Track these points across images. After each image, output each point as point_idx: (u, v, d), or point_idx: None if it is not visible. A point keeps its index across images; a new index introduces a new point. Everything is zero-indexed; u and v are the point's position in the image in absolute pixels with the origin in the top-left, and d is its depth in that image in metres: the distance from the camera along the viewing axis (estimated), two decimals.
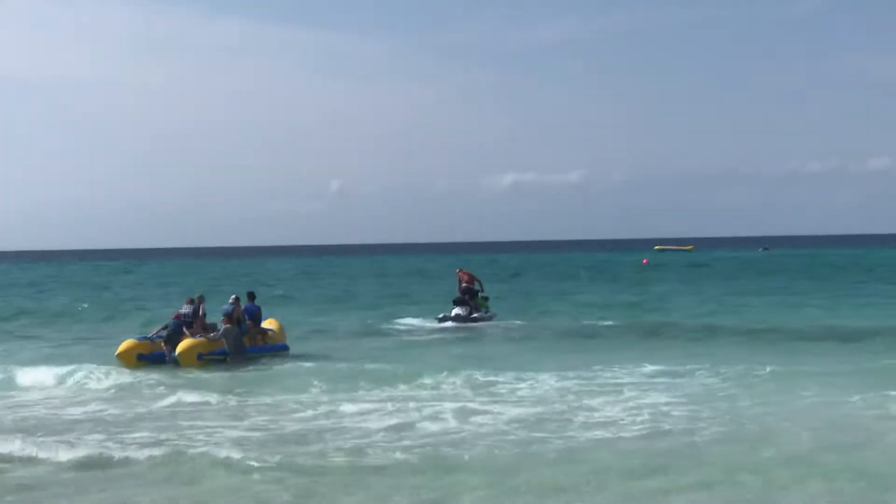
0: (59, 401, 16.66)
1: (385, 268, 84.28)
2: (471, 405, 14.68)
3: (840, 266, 66.83)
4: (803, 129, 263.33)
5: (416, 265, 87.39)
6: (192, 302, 22.80)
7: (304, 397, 16.02)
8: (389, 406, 14.70)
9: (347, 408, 14.69)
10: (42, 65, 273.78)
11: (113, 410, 15.47)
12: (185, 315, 22.29)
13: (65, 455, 11.66)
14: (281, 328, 23.89)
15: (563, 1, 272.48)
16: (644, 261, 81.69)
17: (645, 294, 41.85)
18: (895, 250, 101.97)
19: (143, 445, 12.28)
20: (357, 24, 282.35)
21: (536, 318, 31.37)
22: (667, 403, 14.56)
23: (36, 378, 18.84)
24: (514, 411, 14.17)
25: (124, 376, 19.19)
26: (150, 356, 21.18)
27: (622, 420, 13.42)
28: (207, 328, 21.95)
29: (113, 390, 17.71)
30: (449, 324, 29.07)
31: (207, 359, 21.05)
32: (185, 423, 13.93)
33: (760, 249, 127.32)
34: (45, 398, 16.98)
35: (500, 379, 17.04)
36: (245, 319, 22.38)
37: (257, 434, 13.12)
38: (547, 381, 16.72)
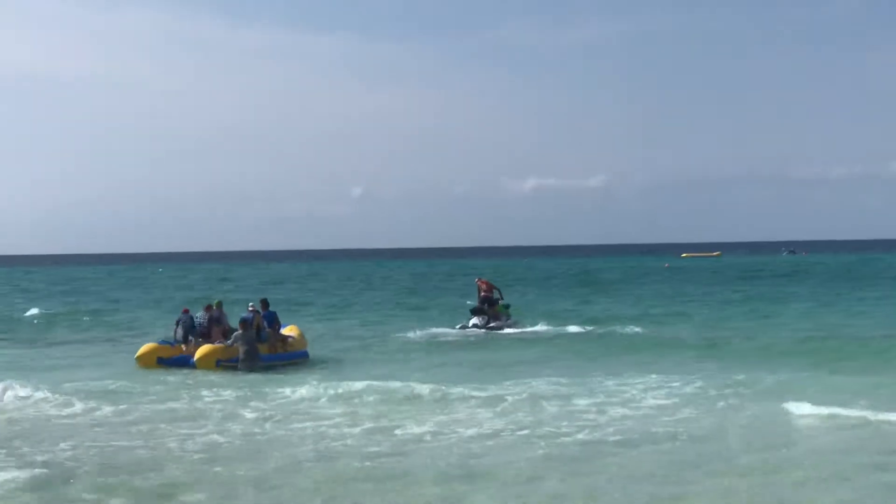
0: None
1: (406, 272, 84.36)
2: (462, 416, 14.57)
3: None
4: (827, 133, 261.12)
5: (438, 270, 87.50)
6: (209, 308, 22.90)
7: (317, 405, 16.13)
8: (369, 420, 14.56)
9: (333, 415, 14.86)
10: (67, 64, 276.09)
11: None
12: (199, 322, 22.50)
13: None
14: (301, 335, 23.94)
15: (585, 6, 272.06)
16: (665, 265, 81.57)
17: (663, 301, 41.66)
18: None
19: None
20: (380, 29, 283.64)
21: (556, 324, 30.97)
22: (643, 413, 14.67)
23: None
24: (498, 422, 14.17)
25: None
26: (170, 360, 21.40)
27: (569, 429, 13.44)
28: (227, 334, 21.92)
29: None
30: (466, 332, 28.83)
31: (225, 365, 21.05)
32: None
33: (784, 253, 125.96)
34: None
35: (491, 391, 16.81)
36: (265, 327, 22.39)
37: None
38: (542, 390, 16.80)
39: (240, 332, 21.32)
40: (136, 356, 21.66)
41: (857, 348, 23.21)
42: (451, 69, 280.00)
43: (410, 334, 28.79)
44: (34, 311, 39.91)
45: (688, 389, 16.78)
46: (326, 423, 14.38)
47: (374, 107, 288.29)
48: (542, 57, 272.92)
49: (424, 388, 16.89)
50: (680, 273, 71.76)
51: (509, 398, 16.20)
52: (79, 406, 15.95)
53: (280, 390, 17.41)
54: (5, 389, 17.20)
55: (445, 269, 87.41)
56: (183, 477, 10.98)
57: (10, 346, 27.97)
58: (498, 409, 15.32)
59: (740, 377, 17.77)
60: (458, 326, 29.75)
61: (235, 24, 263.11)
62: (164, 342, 22.37)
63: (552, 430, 13.44)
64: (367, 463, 11.59)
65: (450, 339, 27.87)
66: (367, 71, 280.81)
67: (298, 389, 17.29)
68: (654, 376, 18.26)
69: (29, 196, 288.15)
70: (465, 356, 23.44)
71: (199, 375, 19.95)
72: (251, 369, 20.69)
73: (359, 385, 17.45)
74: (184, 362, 21.24)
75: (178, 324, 22.60)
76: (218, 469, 11.35)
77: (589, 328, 29.59)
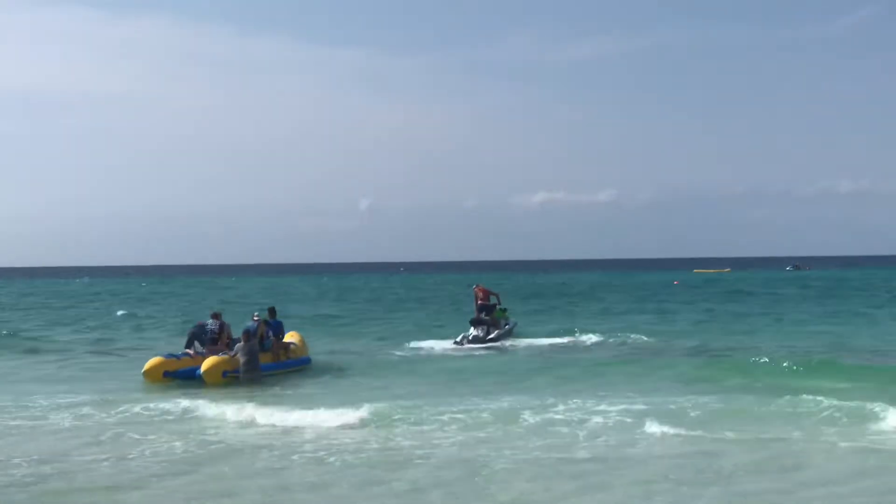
0: None
1: (412, 286, 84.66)
2: (443, 435, 14.35)
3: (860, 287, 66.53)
4: (833, 149, 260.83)
5: (443, 283, 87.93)
6: (216, 316, 23.09)
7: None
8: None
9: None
10: (80, 81, 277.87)
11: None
12: (210, 330, 22.62)
13: None
14: (302, 341, 24.13)
15: (594, 21, 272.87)
16: (675, 282, 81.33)
17: (667, 316, 42.05)
18: None
19: None
20: (389, 43, 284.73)
21: (560, 336, 31.05)
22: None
23: None
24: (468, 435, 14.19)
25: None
26: (176, 373, 21.26)
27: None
28: (230, 344, 22.09)
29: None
30: (466, 345, 28.28)
31: (232, 376, 20.98)
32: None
33: (789, 268, 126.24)
34: None
35: (469, 406, 16.44)
36: (269, 336, 22.62)
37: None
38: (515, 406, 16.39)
39: (241, 343, 21.23)
40: (142, 371, 21.44)
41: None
42: (461, 84, 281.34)
43: (409, 348, 28.46)
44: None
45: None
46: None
47: (381, 120, 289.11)
48: (552, 71, 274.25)
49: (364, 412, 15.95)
50: (690, 289, 72.06)
51: (455, 415, 15.70)
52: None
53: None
54: None
55: (450, 282, 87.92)
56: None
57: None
58: (440, 426, 14.94)
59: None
60: (458, 338, 29.02)
61: (247, 37, 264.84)
62: (169, 356, 22.15)
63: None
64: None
65: (445, 352, 27.25)
66: (377, 85, 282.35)
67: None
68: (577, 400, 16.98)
69: (48, 211, 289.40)
70: (451, 373, 22.62)
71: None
72: (252, 380, 20.64)
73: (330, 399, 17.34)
74: (190, 375, 21.09)
75: (190, 335, 22.74)
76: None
77: (587, 342, 29.52)
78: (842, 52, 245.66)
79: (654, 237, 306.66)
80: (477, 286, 30.96)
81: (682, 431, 14.05)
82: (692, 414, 15.44)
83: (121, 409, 17.06)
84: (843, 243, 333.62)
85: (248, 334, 21.56)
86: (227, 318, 23.48)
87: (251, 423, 15.71)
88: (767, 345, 27.50)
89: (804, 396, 16.32)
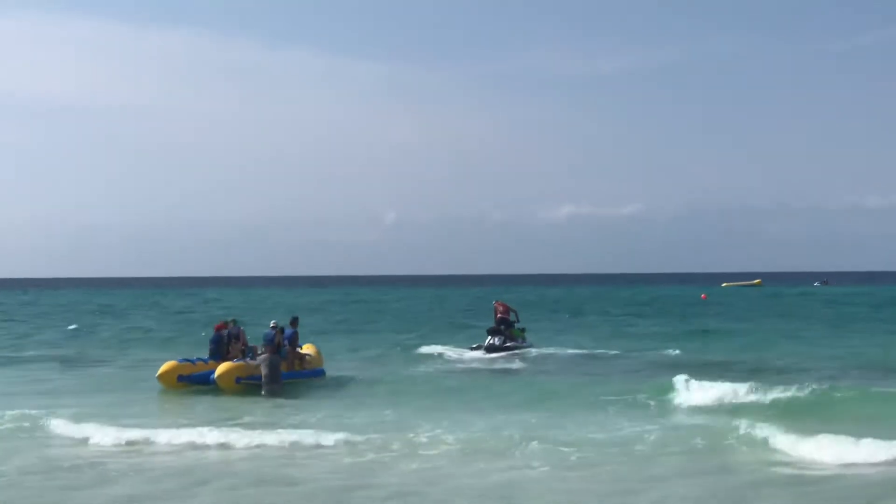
0: None
1: (435, 299, 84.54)
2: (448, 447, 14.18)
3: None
4: (861, 163, 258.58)
5: (467, 296, 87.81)
6: (225, 325, 23.17)
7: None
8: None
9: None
10: (102, 93, 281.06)
11: None
12: (223, 336, 22.62)
13: None
14: (318, 353, 24.31)
15: (621, 34, 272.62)
16: (703, 295, 79.69)
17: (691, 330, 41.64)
18: None
19: None
20: (415, 56, 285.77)
21: (573, 349, 31.22)
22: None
23: None
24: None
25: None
26: (191, 377, 21.56)
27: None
28: (247, 351, 22.21)
29: None
30: (482, 353, 29.20)
31: (245, 383, 21.17)
32: None
33: (816, 283, 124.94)
34: None
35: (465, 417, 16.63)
36: (285, 345, 22.71)
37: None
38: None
39: (266, 354, 21.34)
40: (157, 375, 21.80)
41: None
42: (487, 96, 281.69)
43: (425, 355, 29.24)
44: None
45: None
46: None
47: (407, 133, 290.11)
48: (578, 84, 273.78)
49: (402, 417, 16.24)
50: (717, 304, 71.37)
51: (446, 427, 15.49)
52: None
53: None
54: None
55: (473, 295, 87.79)
56: None
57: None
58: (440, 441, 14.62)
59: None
60: (473, 346, 30.11)
61: (271, 49, 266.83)
62: (184, 360, 22.51)
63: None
64: None
65: (461, 359, 28.18)
66: (401, 97, 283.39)
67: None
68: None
69: (65, 218, 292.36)
70: (463, 381, 23.03)
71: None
72: (273, 393, 20.64)
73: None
74: (204, 380, 21.33)
75: (211, 341, 22.86)
76: None
77: (599, 354, 29.45)
78: (870, 67, 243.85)
79: (681, 251, 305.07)
80: (497, 302, 31.63)
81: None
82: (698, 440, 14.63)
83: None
84: (871, 258, 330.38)
85: (272, 345, 21.69)
86: (244, 326, 23.72)
87: (186, 445, 14.83)
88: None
89: None
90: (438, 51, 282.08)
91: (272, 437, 14.89)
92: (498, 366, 26.88)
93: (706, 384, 18.99)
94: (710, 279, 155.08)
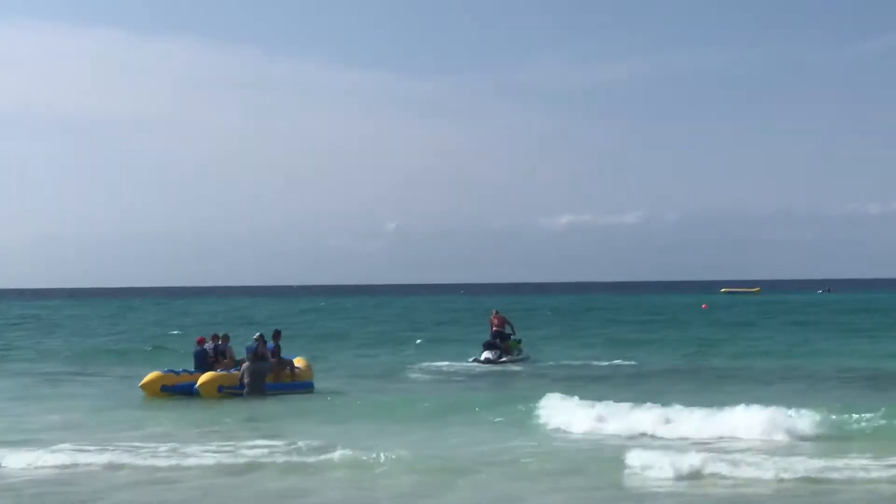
0: None
1: (435, 308, 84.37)
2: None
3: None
4: (862, 170, 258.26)
5: (466, 305, 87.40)
6: (216, 338, 23.53)
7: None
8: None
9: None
10: (98, 103, 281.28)
11: None
12: (209, 354, 22.91)
13: None
14: (308, 366, 24.20)
15: (621, 43, 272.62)
16: (703, 305, 78.83)
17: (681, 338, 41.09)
18: None
19: None
20: (416, 66, 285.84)
21: (570, 360, 31.00)
22: None
23: None
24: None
25: None
26: (174, 387, 21.85)
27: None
28: (237, 366, 22.33)
29: None
30: (477, 366, 28.92)
31: (228, 392, 21.59)
32: None
33: (820, 291, 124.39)
34: None
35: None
36: (269, 357, 22.69)
37: None
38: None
39: (248, 362, 21.71)
40: (140, 384, 22.13)
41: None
42: (489, 105, 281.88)
43: (420, 367, 28.86)
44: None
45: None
46: None
47: (408, 142, 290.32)
48: (578, 93, 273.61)
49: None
50: (717, 312, 70.89)
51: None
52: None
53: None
54: None
55: (473, 305, 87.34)
56: None
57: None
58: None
59: None
60: (469, 360, 29.89)
61: (275, 60, 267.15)
62: (169, 371, 22.86)
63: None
64: None
65: (454, 372, 27.86)
66: (405, 107, 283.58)
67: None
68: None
69: (71, 230, 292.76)
70: (454, 394, 22.52)
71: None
72: (256, 398, 20.94)
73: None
74: (187, 390, 21.65)
75: (195, 355, 23.18)
76: None
77: (596, 365, 29.14)
78: (871, 74, 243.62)
79: (681, 259, 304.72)
80: (495, 314, 31.34)
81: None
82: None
83: None
84: (872, 266, 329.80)
85: (256, 354, 21.93)
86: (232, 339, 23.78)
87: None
88: None
89: None
90: (439, 60, 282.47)
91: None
92: (479, 379, 26.36)
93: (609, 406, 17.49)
94: (711, 286, 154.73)
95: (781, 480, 12.21)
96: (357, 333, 47.21)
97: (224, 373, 22.06)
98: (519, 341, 30.77)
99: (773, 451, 14.14)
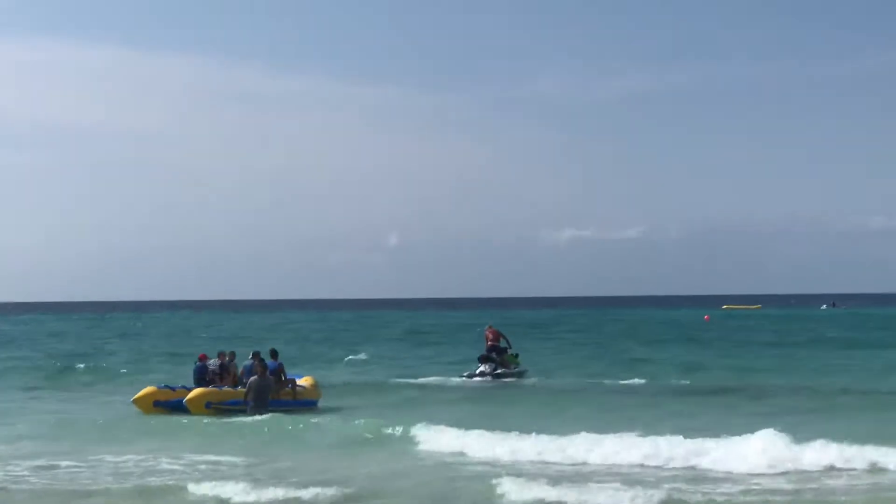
0: None
1: (434, 322, 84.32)
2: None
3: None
4: (866, 185, 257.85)
5: (467, 320, 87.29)
6: (222, 356, 23.60)
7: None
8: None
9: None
10: (109, 117, 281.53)
11: None
12: (212, 370, 23.04)
13: None
14: (314, 385, 24.32)
15: (622, 58, 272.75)
16: (705, 317, 79.67)
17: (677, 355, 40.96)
18: None
19: None
20: (418, 79, 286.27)
21: (566, 376, 30.97)
22: None
23: None
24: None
25: None
26: (167, 403, 21.90)
27: None
28: (237, 381, 22.51)
29: None
30: (473, 380, 28.90)
31: (216, 407, 21.56)
32: None
33: (824, 306, 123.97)
34: None
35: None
36: (266, 375, 22.35)
37: None
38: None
39: (254, 378, 21.55)
40: (132, 399, 22.25)
41: None
42: (491, 120, 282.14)
43: (414, 382, 28.83)
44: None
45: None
46: None
47: (411, 156, 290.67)
48: (580, 108, 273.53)
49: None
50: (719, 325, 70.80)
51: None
52: None
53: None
54: None
55: (473, 320, 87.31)
56: None
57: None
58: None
59: None
60: (464, 374, 29.82)
61: (277, 75, 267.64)
62: (164, 386, 22.94)
63: None
64: None
65: (448, 387, 27.76)
66: (407, 122, 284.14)
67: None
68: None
69: (71, 243, 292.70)
70: (443, 410, 22.18)
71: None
72: (259, 412, 20.81)
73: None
74: (180, 405, 21.68)
75: (194, 371, 23.24)
76: None
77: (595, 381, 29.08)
78: (875, 88, 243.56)
79: (684, 273, 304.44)
80: (489, 328, 31.37)
81: None
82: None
83: None
84: (876, 280, 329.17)
85: (264, 369, 21.91)
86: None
87: None
88: None
89: None
90: (442, 75, 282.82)
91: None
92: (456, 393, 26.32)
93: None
94: (713, 301, 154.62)
95: None
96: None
97: (214, 389, 22.04)
98: (516, 355, 30.68)
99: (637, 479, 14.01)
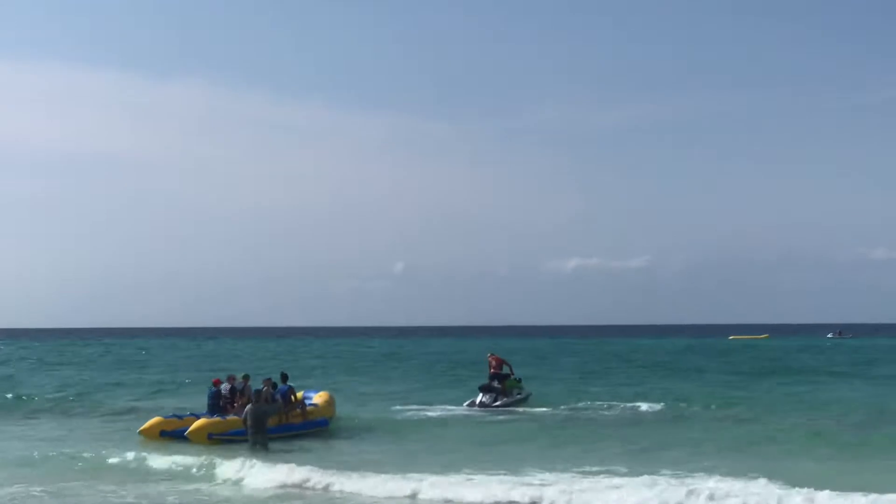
0: None
1: (440, 350, 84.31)
2: None
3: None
4: (868, 216, 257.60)
5: (471, 348, 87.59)
6: (231, 379, 23.91)
7: None
8: None
9: None
10: (102, 143, 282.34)
11: None
12: (224, 395, 23.34)
13: None
14: (327, 402, 24.52)
15: (627, 88, 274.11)
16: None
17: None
18: None
19: None
20: (422, 107, 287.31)
21: (568, 405, 30.66)
22: None
23: None
24: None
25: None
26: (174, 432, 22.05)
27: None
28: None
29: None
30: (475, 410, 28.73)
31: (218, 438, 21.54)
32: None
33: (830, 335, 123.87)
34: None
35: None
36: (277, 399, 22.93)
37: None
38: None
39: (251, 405, 21.22)
40: (139, 430, 22.45)
41: None
42: (495, 149, 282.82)
43: (415, 412, 28.54)
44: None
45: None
46: None
47: (415, 184, 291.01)
48: (584, 137, 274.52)
49: None
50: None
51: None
52: None
53: None
54: None
55: (478, 347, 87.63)
56: None
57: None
58: None
59: None
60: (465, 404, 29.68)
61: (281, 103, 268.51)
62: (173, 416, 23.28)
63: None
64: None
65: (449, 418, 27.33)
66: (411, 150, 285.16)
67: None
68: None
69: (73, 272, 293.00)
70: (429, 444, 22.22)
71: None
72: (257, 444, 20.48)
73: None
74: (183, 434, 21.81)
75: (208, 396, 23.55)
76: None
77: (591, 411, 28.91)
78: (877, 120, 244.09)
79: (689, 303, 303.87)
80: (491, 355, 31.34)
81: None
82: None
83: None
84: (879, 310, 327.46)
85: (258, 395, 21.82)
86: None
87: None
88: None
89: None
90: (446, 104, 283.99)
91: None
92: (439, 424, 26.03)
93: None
94: (718, 331, 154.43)
95: None
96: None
97: (217, 419, 22.10)
98: (519, 380, 30.66)
99: None
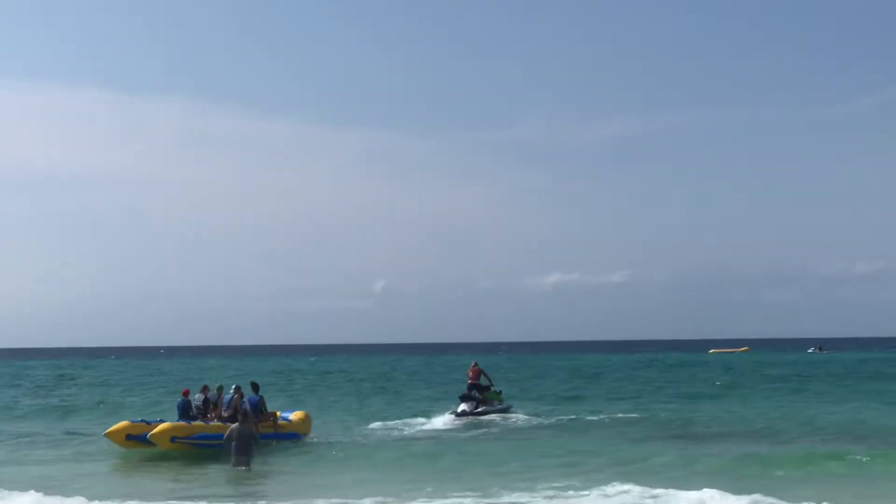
0: None
1: (422, 366, 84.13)
2: None
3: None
4: (848, 231, 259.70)
5: (452, 364, 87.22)
6: (205, 390, 23.68)
7: None
8: None
9: None
10: (83, 162, 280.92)
11: None
12: (196, 405, 23.13)
13: None
14: (303, 420, 24.40)
15: (608, 102, 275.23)
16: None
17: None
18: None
19: None
20: (402, 123, 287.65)
21: (547, 415, 31.06)
22: None
23: None
24: None
25: None
26: (139, 437, 21.82)
27: None
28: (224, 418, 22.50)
29: None
30: (456, 421, 28.89)
31: (181, 443, 21.47)
32: None
33: (810, 350, 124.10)
34: None
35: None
36: (246, 408, 22.73)
37: None
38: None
39: (238, 424, 20.59)
40: (105, 433, 22.27)
41: None
42: (475, 165, 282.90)
43: (394, 425, 28.60)
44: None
45: None
46: None
47: (395, 201, 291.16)
48: (565, 152, 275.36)
49: None
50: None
51: None
52: None
53: None
54: None
55: (459, 363, 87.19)
56: None
57: None
58: None
59: None
60: (448, 413, 29.96)
61: (260, 119, 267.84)
62: (141, 420, 23.22)
63: None
64: None
65: (427, 430, 27.52)
66: (390, 166, 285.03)
67: None
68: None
69: (52, 292, 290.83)
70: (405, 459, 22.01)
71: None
72: (240, 465, 19.87)
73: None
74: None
75: (177, 406, 23.37)
76: None
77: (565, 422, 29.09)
78: (858, 133, 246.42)
79: (671, 318, 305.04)
80: (473, 365, 31.65)
81: None
82: None
83: None
84: (860, 325, 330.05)
85: (245, 414, 21.72)
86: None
87: None
88: None
89: None
90: (426, 119, 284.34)
91: None
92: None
93: None
94: (699, 346, 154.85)
95: None
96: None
97: (181, 423, 21.99)
98: (499, 392, 31.09)
99: None
